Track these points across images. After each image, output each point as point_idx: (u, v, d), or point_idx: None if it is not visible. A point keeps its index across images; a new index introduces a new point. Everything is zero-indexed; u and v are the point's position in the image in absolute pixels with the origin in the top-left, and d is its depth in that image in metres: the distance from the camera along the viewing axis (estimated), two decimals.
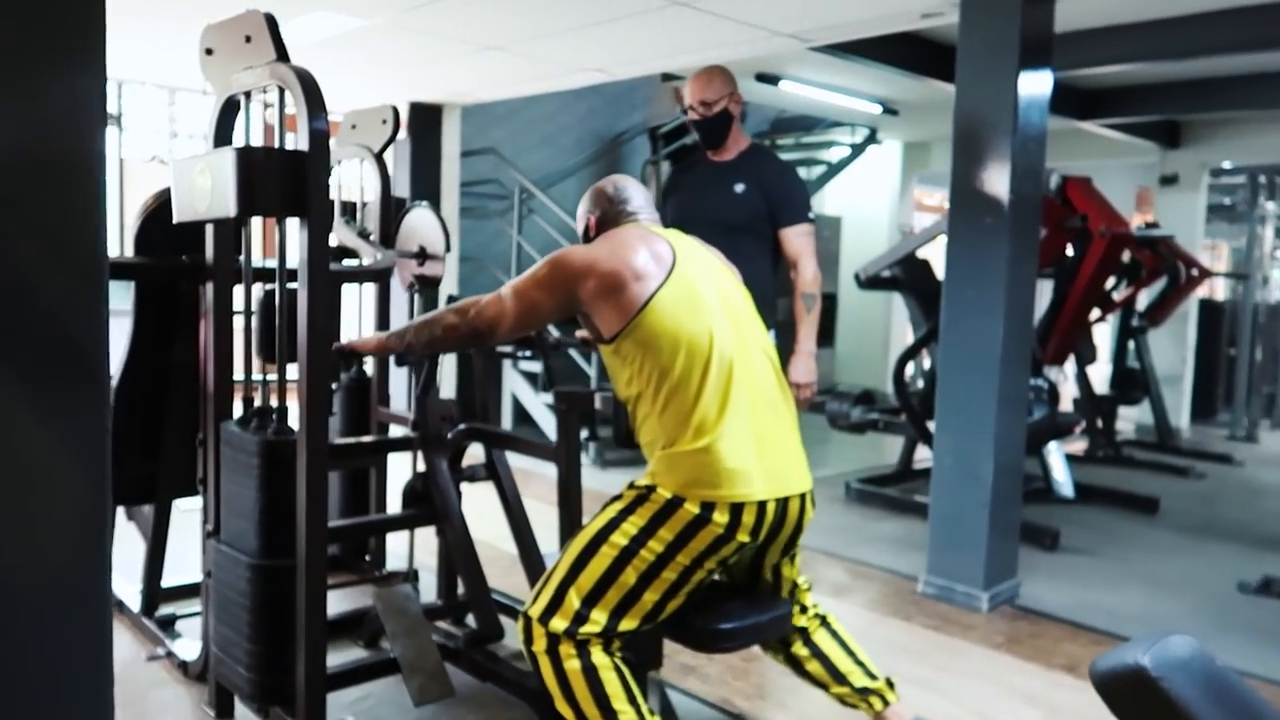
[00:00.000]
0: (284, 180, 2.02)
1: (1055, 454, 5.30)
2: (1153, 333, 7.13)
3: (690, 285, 1.97)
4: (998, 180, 3.44)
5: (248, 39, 2.20)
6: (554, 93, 7.49)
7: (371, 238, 3.37)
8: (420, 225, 3.31)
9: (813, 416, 7.92)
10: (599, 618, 1.89)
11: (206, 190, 2.10)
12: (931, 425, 4.35)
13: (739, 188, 3.16)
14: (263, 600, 2.16)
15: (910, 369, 5.89)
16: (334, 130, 2.45)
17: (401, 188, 6.59)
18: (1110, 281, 5.94)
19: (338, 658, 2.71)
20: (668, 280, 1.94)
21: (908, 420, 5.05)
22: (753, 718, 2.64)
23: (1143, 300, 7.12)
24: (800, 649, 2.21)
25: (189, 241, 2.50)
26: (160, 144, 8.23)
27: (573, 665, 1.87)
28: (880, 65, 5.69)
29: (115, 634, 2.97)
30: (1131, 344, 7.05)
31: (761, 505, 1.92)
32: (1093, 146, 7.76)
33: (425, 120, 6.54)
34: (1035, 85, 3.47)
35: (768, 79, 6.58)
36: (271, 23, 2.15)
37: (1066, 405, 6.42)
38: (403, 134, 6.48)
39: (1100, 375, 7.70)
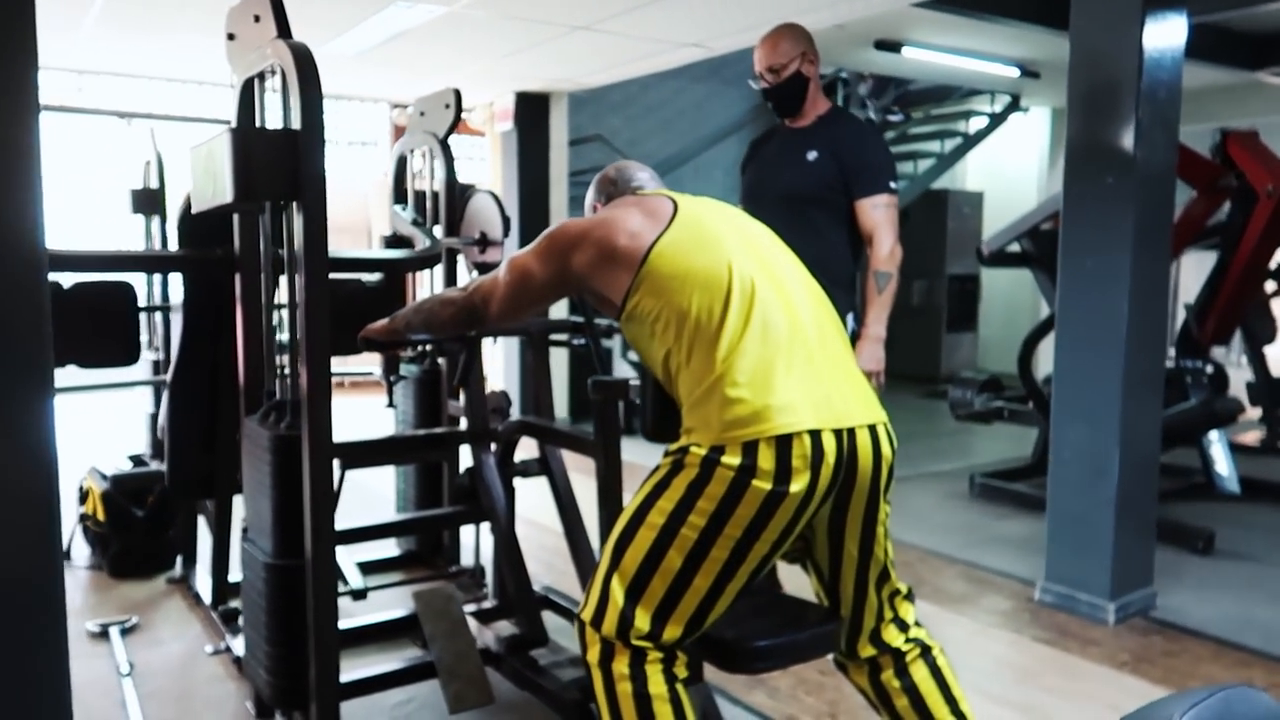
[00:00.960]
0: (283, 163, 1.92)
1: (1217, 444, 4.69)
2: None
3: (697, 225, 1.78)
4: (1120, 133, 3.00)
5: (256, 19, 2.12)
6: (670, 78, 7.32)
7: (434, 225, 3.30)
8: (482, 211, 3.20)
9: (934, 404, 7.44)
10: (644, 616, 1.65)
11: (214, 176, 2.03)
12: None
13: (811, 155, 2.88)
14: (278, 601, 2.08)
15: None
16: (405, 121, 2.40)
17: (511, 178, 6.57)
18: None
19: (390, 660, 2.64)
20: (669, 227, 1.76)
21: (1035, 408, 4.58)
22: None
23: None
24: (892, 679, 1.85)
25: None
26: None
27: (625, 688, 1.64)
28: (1012, 22, 5.21)
29: (187, 625, 3.04)
30: None
31: (816, 435, 1.59)
32: (1271, 100, 6.90)
33: (532, 109, 6.49)
34: (1165, 26, 3.01)
35: (888, 46, 6.15)
36: (275, 1, 2.06)
37: (1238, 391, 5.72)
38: (509, 125, 6.47)
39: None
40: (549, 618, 2.80)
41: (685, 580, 1.63)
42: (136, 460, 3.97)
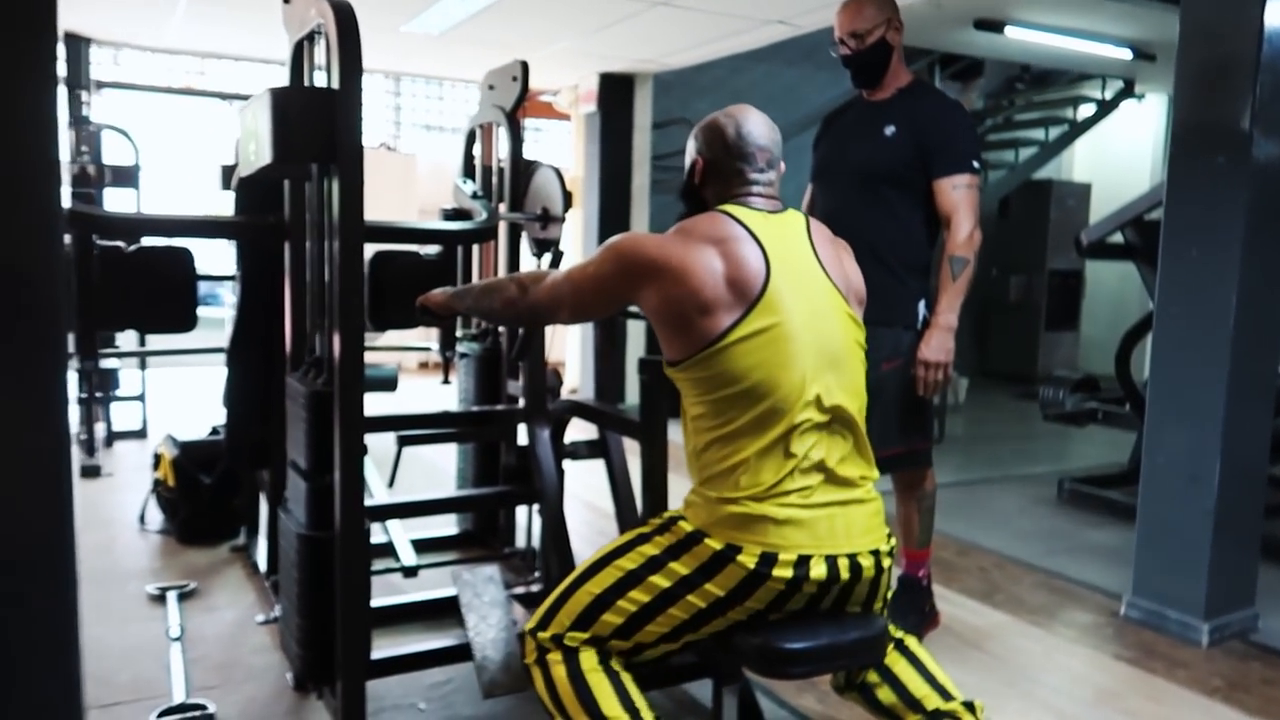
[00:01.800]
0: (321, 124, 1.87)
1: None
2: None
3: (779, 322, 1.61)
4: (1235, 109, 2.74)
5: None
6: (761, 61, 7.14)
7: (499, 202, 3.24)
8: (544, 186, 3.13)
9: (1027, 405, 7.08)
10: (583, 637, 1.66)
11: (257, 137, 2.00)
12: None
13: (889, 130, 2.70)
14: (307, 573, 2.04)
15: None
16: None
17: (593, 161, 6.51)
18: None
19: (434, 638, 2.60)
20: (750, 312, 1.60)
21: (1132, 410, 4.29)
22: None
23: None
24: (872, 676, 1.81)
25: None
26: (385, 130, 8.68)
27: (559, 672, 1.64)
28: None
29: (243, 594, 3.06)
30: None
31: (804, 560, 1.57)
32: None
33: (616, 92, 6.42)
34: None
35: (989, 25, 5.86)
36: None
37: None
38: (593, 106, 6.40)
39: None
40: None
41: (635, 624, 1.63)
42: (215, 430, 4.05)
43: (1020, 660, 2.77)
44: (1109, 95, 7.83)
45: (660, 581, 1.61)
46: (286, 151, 1.88)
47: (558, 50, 5.62)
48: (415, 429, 2.75)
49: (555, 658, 1.65)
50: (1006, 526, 4.08)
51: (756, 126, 1.75)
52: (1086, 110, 7.95)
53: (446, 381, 3.14)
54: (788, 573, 1.57)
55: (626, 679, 1.63)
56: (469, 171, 3.52)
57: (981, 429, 6.35)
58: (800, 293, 1.65)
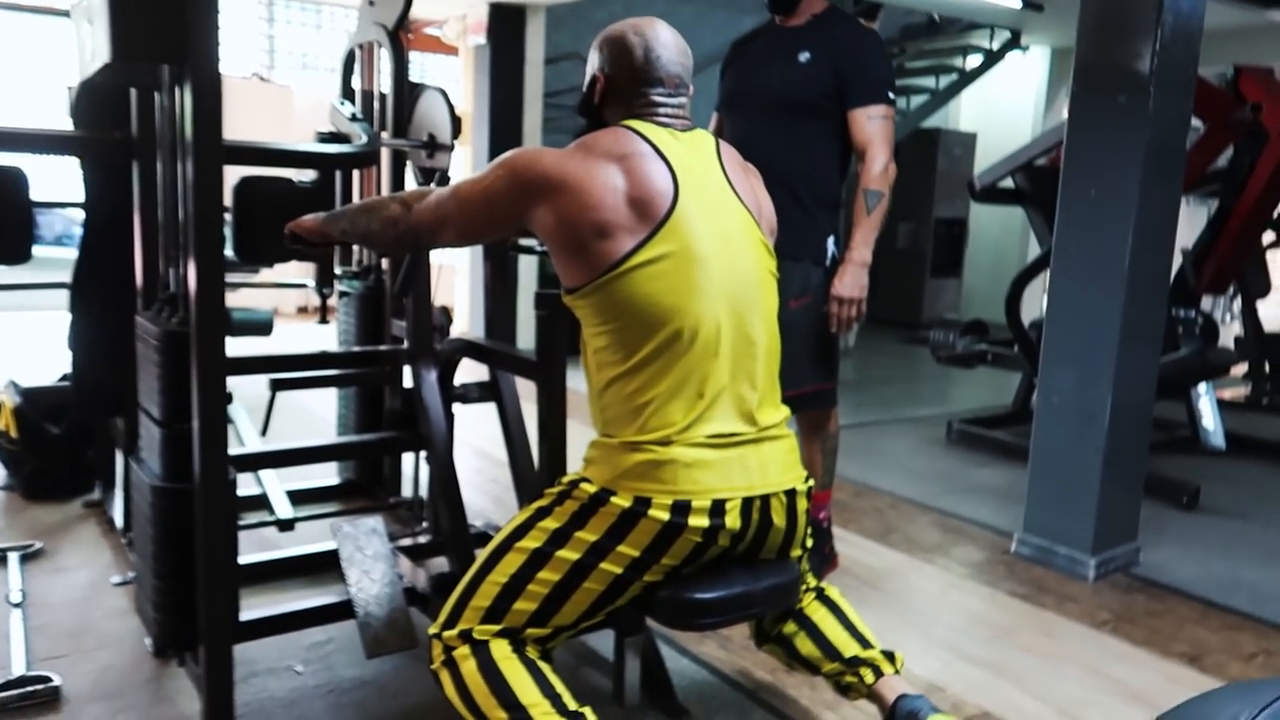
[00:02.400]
0: (169, 14, 1.62)
1: (1205, 398, 4.48)
2: None
3: (685, 247, 1.48)
4: (1137, 46, 2.73)
5: None
6: None
7: (382, 129, 3.00)
8: (430, 111, 2.90)
9: (914, 350, 7.23)
10: (493, 630, 1.51)
11: (94, 35, 1.73)
12: None
13: (803, 57, 2.57)
14: (165, 530, 1.83)
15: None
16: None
17: (482, 96, 6.22)
18: None
19: (315, 596, 2.42)
20: (653, 236, 1.46)
21: (1021, 353, 4.37)
22: (772, 692, 2.17)
23: None
24: (789, 626, 1.73)
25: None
26: (258, 59, 8.11)
27: (469, 666, 1.48)
28: None
29: (97, 553, 2.80)
30: None
31: (719, 504, 1.47)
32: (1275, 44, 6.61)
33: (507, 24, 6.12)
34: None
35: None
36: None
37: (1226, 343, 5.53)
38: (482, 39, 6.10)
39: (1271, 311, 6.66)
40: None
41: (550, 608, 1.48)
42: (65, 378, 3.69)
43: (917, 599, 2.77)
44: (996, 46, 7.94)
45: (569, 555, 1.47)
46: (127, 48, 1.63)
47: None
48: (287, 371, 2.52)
49: (463, 653, 1.49)
50: (900, 468, 4.11)
51: (667, 50, 1.59)
52: (975, 60, 8.04)
53: (324, 322, 2.90)
54: (703, 520, 1.46)
55: (545, 667, 1.49)
56: (348, 95, 3.25)
57: (871, 372, 6.43)
58: (710, 216, 1.52)
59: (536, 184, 1.48)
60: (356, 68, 3.27)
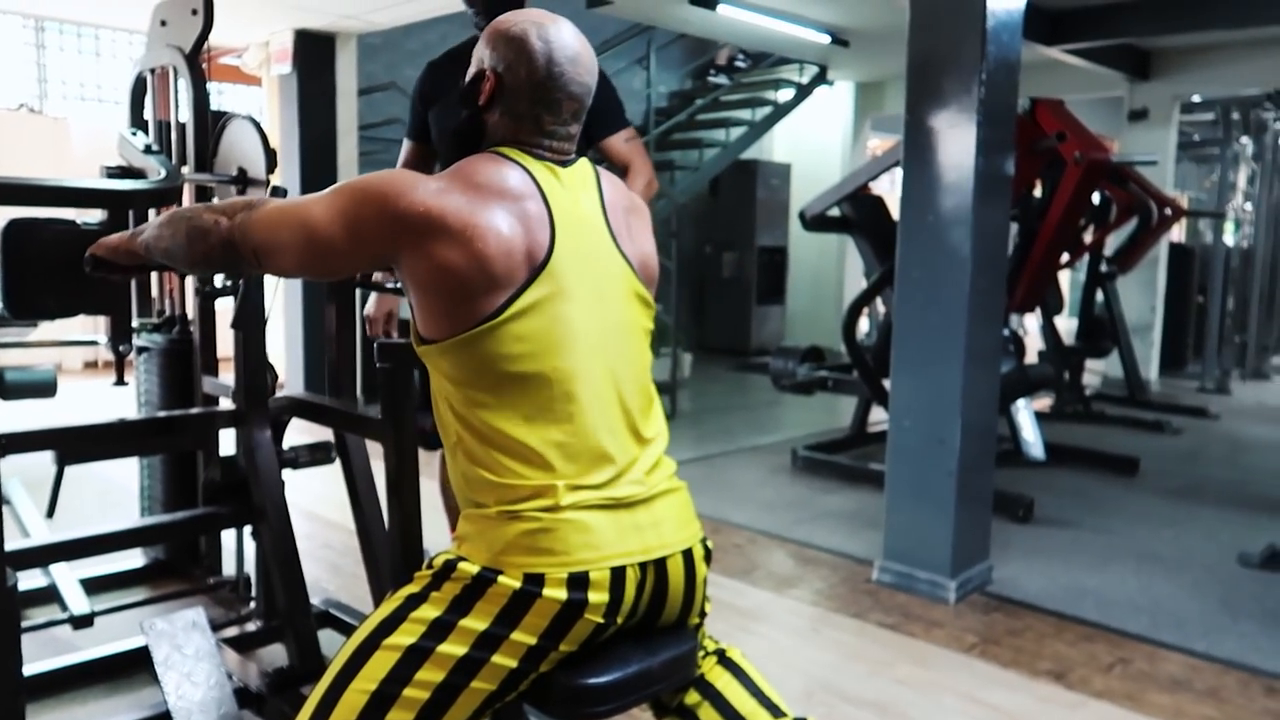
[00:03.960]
0: None
1: (1024, 412, 4.73)
2: (1120, 279, 6.61)
3: (556, 300, 1.30)
4: (964, 72, 2.80)
5: None
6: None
7: (181, 163, 2.67)
8: (240, 143, 2.61)
9: (746, 377, 7.35)
10: None
11: None
12: (888, 382, 3.76)
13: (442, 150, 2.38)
14: None
15: (864, 322, 5.28)
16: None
17: (290, 128, 5.83)
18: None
19: (124, 705, 2.07)
20: (525, 290, 1.27)
21: (860, 377, 4.45)
22: None
23: (1109, 244, 6.58)
24: (692, 696, 1.54)
25: None
26: (26, 89, 7.33)
27: None
28: None
29: None
30: (1099, 291, 6.52)
31: (619, 572, 1.29)
32: (1059, 79, 7.17)
33: (315, 52, 5.77)
34: None
35: (703, 2, 5.88)
36: None
37: (1031, 358, 5.89)
38: (288, 67, 5.73)
39: (1063, 325, 7.19)
40: (329, 640, 2.30)
41: (434, 716, 1.23)
42: None
43: (790, 638, 2.70)
44: (806, 80, 8.25)
45: (454, 649, 1.22)
46: None
47: (239, 5, 4.92)
48: (81, 447, 2.17)
49: None
50: (751, 499, 4.08)
51: (573, 65, 1.35)
52: (787, 94, 8.32)
53: (121, 383, 2.53)
54: (603, 595, 1.28)
55: None
56: (138, 125, 2.90)
57: (709, 402, 6.44)
58: (585, 266, 1.34)
59: (415, 221, 1.25)
60: (148, 96, 2.93)
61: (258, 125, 2.55)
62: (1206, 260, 8.14)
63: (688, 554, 1.42)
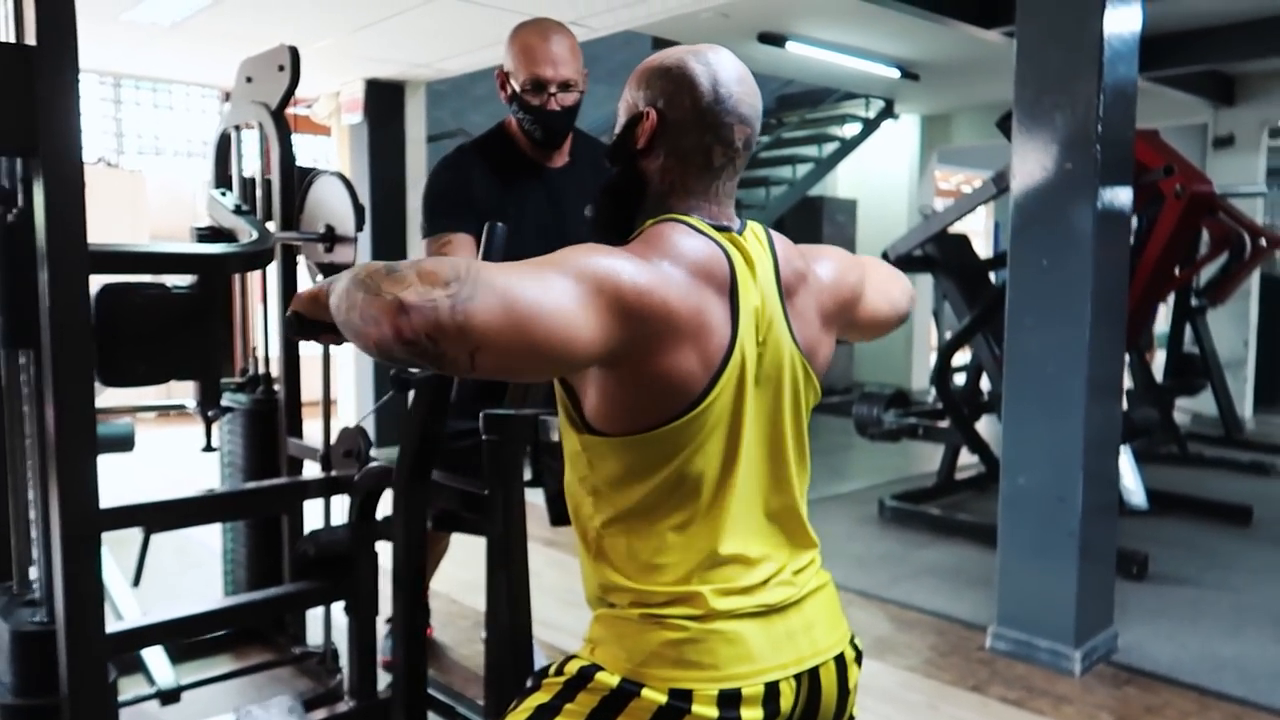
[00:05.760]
0: (11, 94, 1.25)
1: (1125, 457, 4.48)
2: (1210, 313, 6.33)
3: (736, 394, 1.14)
4: (1079, 103, 2.64)
5: None
6: None
7: (267, 219, 2.63)
8: (328, 200, 2.55)
9: (837, 421, 7.15)
10: None
11: None
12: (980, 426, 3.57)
13: (590, 211, 2.23)
14: None
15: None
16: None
17: (361, 177, 5.84)
18: None
19: None
20: (717, 380, 1.11)
21: (953, 424, 4.25)
22: None
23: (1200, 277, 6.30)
24: None
25: None
26: (105, 144, 7.50)
27: None
28: (901, 6, 4.85)
29: None
30: (1189, 326, 6.23)
31: (772, 687, 1.15)
32: (1140, 107, 6.94)
33: (385, 101, 5.80)
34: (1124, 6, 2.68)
35: (773, 39, 5.81)
36: None
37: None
38: (359, 117, 5.76)
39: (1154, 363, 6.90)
40: None
41: None
42: None
43: (905, 716, 2.51)
44: (872, 115, 8.12)
45: None
46: None
47: (316, 51, 4.94)
48: (169, 520, 2.09)
49: None
50: (841, 553, 3.89)
51: (740, 85, 1.19)
52: (853, 129, 8.19)
53: (210, 449, 2.47)
54: (757, 712, 1.13)
55: None
56: (223, 182, 2.86)
57: None
58: (762, 352, 1.18)
59: (650, 318, 1.05)
60: (232, 152, 2.90)
61: (346, 181, 2.50)
62: None
63: (839, 658, 1.27)
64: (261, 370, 2.85)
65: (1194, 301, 6.19)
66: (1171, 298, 6.20)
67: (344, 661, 2.52)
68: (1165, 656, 2.86)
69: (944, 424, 4.37)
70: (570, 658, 1.21)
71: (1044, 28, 2.74)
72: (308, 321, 1.25)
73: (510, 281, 0.99)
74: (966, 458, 4.73)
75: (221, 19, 4.30)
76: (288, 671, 2.67)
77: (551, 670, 1.22)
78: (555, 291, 1.00)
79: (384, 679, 2.14)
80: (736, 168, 1.22)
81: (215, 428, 2.82)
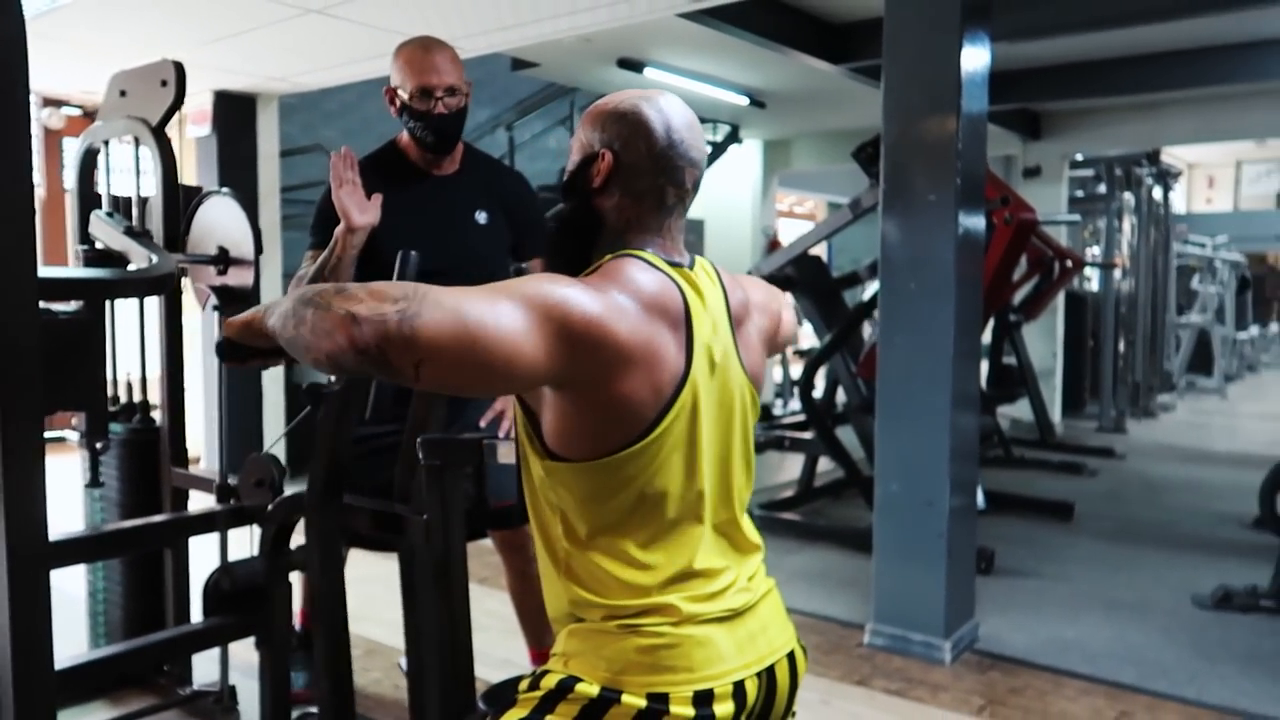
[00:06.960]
0: None
1: None
2: (1025, 328, 6.96)
3: (691, 418, 1.23)
4: (941, 144, 2.90)
5: None
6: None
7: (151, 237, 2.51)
8: (220, 221, 2.47)
9: None
10: None
11: None
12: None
13: (481, 217, 2.26)
14: None
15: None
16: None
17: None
18: None
19: None
20: (672, 405, 1.19)
21: (818, 436, 4.50)
22: None
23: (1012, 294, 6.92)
24: None
25: None
26: None
27: None
28: (755, 38, 5.07)
29: None
30: (1007, 340, 6.82)
31: (739, 685, 1.24)
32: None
33: (235, 114, 5.56)
34: (978, 45, 2.96)
35: (631, 65, 5.96)
36: None
37: None
38: (207, 129, 5.51)
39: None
40: None
41: None
42: None
43: (806, 713, 2.66)
44: (719, 138, 8.43)
45: None
46: None
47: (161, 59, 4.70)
48: (62, 557, 1.97)
49: None
50: None
51: (690, 131, 1.28)
52: None
53: (95, 485, 2.32)
54: (728, 708, 1.22)
55: None
56: (90, 202, 2.72)
57: None
58: (714, 378, 1.27)
59: (598, 347, 1.11)
60: (100, 170, 2.76)
61: (241, 201, 2.44)
62: (1097, 307, 8.63)
63: (790, 656, 1.38)
64: (137, 397, 2.72)
65: (1012, 317, 6.77)
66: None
67: (244, 698, 2.43)
68: (1019, 642, 3.15)
69: (807, 435, 4.61)
70: (544, 673, 1.26)
71: (908, 67, 2.99)
72: (239, 347, 1.25)
73: (459, 301, 1.06)
74: (821, 465, 5.01)
75: (51, 24, 4.04)
76: (175, 714, 2.54)
77: (524, 686, 1.27)
78: (502, 313, 1.07)
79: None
80: (686, 206, 1.32)
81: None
